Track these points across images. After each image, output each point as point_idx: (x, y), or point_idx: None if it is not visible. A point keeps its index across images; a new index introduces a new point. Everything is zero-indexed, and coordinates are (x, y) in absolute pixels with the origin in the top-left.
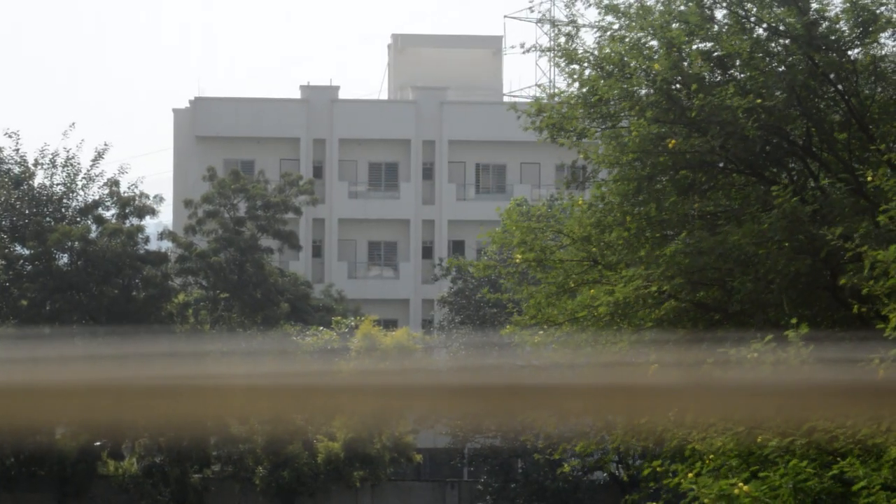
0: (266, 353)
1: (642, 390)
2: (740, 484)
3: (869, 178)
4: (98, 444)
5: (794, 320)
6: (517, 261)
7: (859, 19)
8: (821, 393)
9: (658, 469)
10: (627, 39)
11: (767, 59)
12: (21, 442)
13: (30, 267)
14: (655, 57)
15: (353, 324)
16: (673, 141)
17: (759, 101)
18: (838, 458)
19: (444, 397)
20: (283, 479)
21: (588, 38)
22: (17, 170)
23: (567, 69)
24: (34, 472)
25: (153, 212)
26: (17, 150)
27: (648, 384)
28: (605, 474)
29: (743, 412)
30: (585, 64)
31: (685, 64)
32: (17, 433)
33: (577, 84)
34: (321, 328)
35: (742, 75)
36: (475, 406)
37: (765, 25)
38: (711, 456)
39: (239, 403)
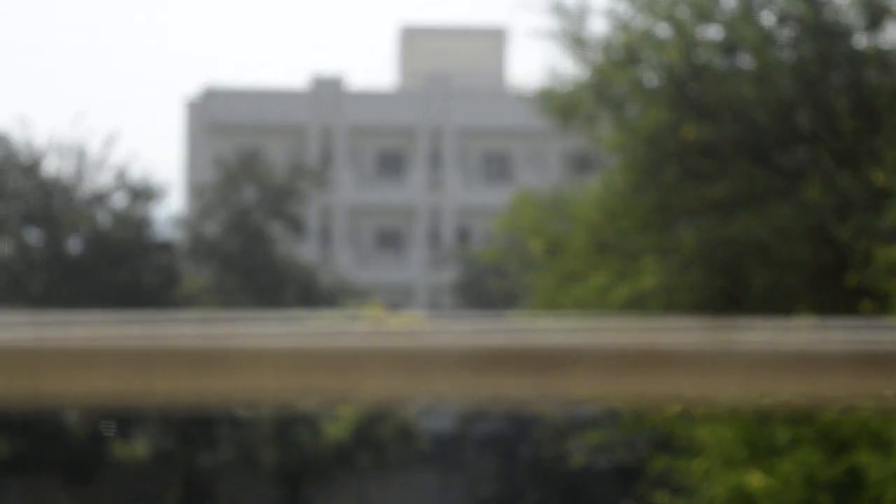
0: (274, 335)
1: (654, 355)
2: (755, 473)
3: (881, 178)
4: (107, 428)
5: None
6: (537, 252)
7: (868, 7)
8: (830, 361)
9: (665, 465)
10: (636, 25)
11: (776, 45)
12: (29, 425)
13: (40, 254)
14: (665, 45)
15: (360, 311)
16: (690, 130)
17: (769, 91)
18: (845, 445)
19: (457, 366)
20: (290, 464)
21: (596, 25)
22: (26, 157)
23: (574, 53)
24: (42, 457)
25: (162, 199)
26: (27, 137)
27: (659, 349)
28: (612, 460)
29: (750, 382)
30: (593, 50)
31: (697, 53)
32: (24, 410)
33: (584, 68)
34: (328, 314)
35: (750, 57)
36: (487, 377)
37: (772, 10)
38: (716, 444)
39: (246, 376)
